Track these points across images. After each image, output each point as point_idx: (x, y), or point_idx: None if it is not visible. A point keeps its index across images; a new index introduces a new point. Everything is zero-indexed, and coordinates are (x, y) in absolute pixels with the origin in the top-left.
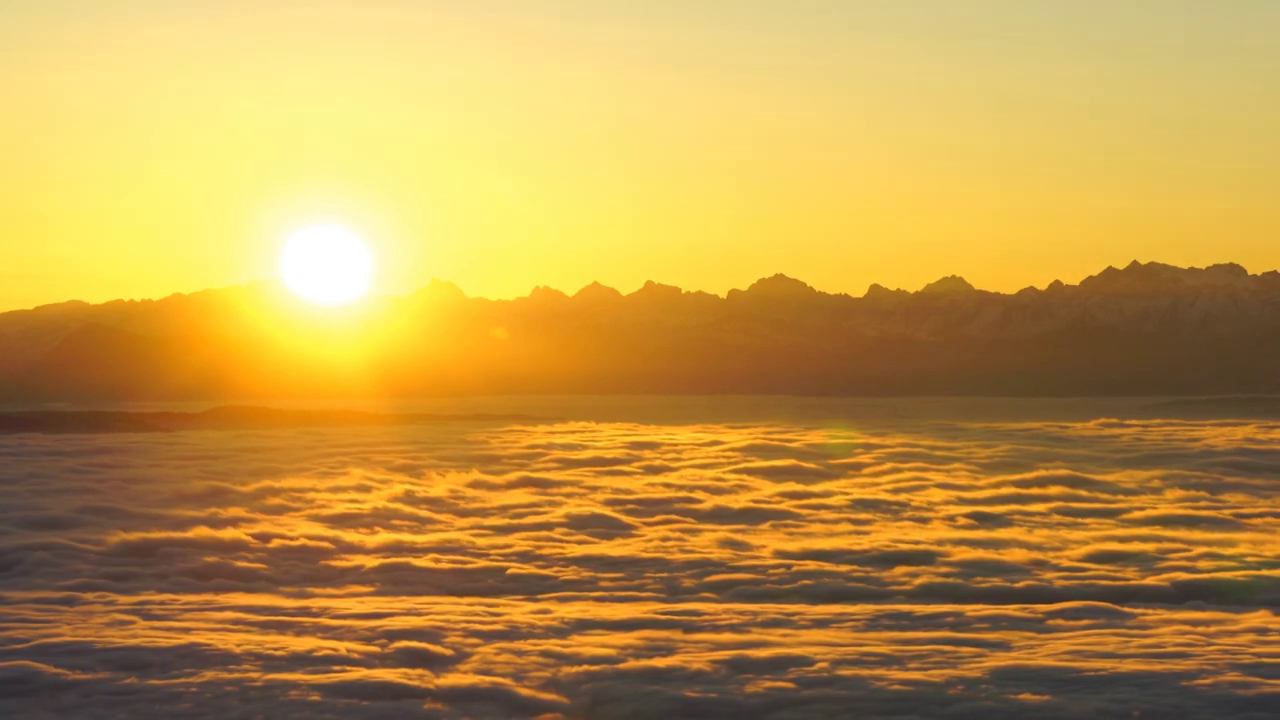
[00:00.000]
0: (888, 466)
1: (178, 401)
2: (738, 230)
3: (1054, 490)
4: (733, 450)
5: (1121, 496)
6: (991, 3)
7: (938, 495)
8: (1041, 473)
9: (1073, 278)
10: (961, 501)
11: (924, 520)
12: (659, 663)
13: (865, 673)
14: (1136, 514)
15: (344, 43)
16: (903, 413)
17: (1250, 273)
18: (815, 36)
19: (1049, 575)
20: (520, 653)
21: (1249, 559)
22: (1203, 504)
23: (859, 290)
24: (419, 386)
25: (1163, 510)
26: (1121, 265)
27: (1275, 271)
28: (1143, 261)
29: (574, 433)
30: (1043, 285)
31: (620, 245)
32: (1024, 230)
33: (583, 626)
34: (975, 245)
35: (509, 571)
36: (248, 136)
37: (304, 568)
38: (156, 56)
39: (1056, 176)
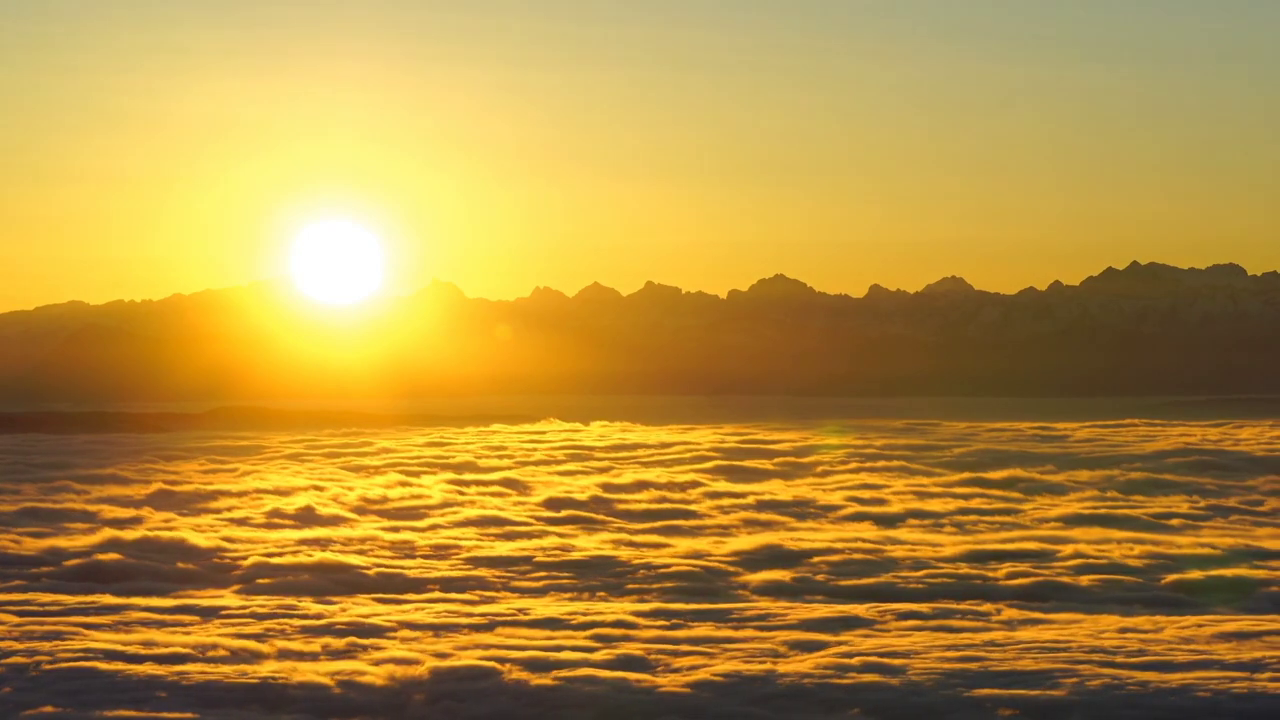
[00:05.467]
0: (834, 467)
1: (181, 402)
2: (738, 230)
3: (972, 490)
4: (693, 451)
5: (1035, 496)
6: (991, 2)
7: (858, 495)
8: (972, 474)
9: (1073, 278)
10: (876, 502)
11: (828, 521)
12: (484, 663)
13: (676, 663)
14: (1038, 514)
15: (345, 43)
16: (899, 413)
17: (1250, 273)
18: (815, 36)
19: (910, 575)
20: (365, 651)
21: (1125, 560)
22: (1108, 505)
23: (859, 290)
24: (422, 387)
25: (1068, 510)
26: (1121, 265)
27: (1275, 271)
28: (1143, 261)
29: (547, 432)
30: (1043, 285)
31: (620, 245)
32: (1024, 230)
33: (433, 629)
34: (975, 245)
35: (382, 573)
36: (248, 137)
37: (182, 568)
38: (157, 57)
39: (1056, 176)
